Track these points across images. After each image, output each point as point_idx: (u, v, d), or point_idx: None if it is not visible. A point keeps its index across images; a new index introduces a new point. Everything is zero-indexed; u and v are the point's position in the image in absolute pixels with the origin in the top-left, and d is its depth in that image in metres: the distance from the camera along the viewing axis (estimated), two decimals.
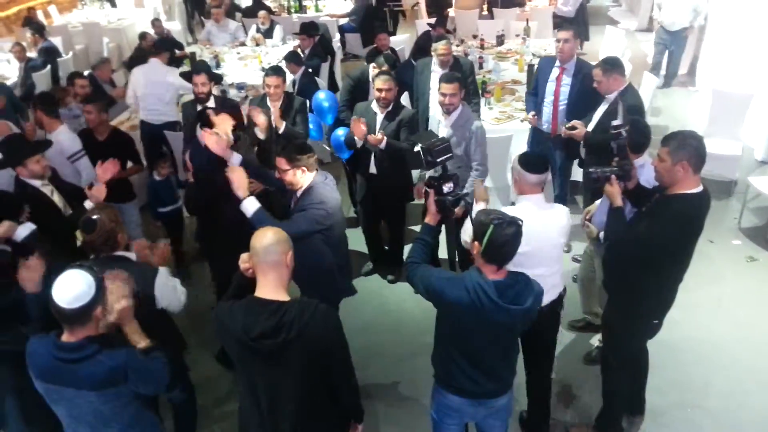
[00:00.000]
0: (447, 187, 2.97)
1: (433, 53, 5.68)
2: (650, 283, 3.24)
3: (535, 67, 6.21)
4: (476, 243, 2.62)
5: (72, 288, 2.27)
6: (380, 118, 4.84)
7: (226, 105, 5.20)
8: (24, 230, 3.45)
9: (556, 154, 5.46)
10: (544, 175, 3.23)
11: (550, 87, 5.26)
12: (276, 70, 5.15)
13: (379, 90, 4.74)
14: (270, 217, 3.38)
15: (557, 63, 5.24)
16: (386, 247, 5.60)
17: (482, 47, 8.66)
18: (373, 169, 4.99)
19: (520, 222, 2.60)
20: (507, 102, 6.65)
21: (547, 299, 3.18)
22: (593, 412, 3.80)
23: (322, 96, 5.86)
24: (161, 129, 6.27)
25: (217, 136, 3.58)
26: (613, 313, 3.53)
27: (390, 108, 4.82)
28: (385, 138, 4.71)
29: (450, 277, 2.74)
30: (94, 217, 2.94)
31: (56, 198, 3.98)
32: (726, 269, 5.29)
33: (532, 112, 5.35)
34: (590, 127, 4.75)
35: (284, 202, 3.77)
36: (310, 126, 5.51)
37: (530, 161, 3.24)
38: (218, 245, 4.00)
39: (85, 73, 6.84)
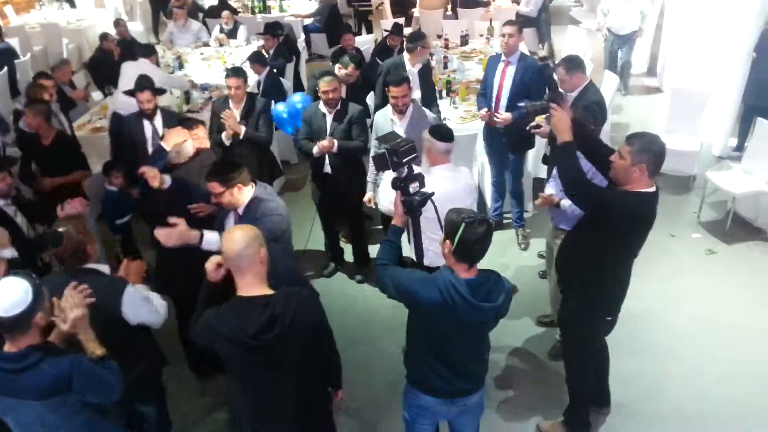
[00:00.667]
0: (413, 188, 2.99)
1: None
2: (602, 281, 3.30)
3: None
4: (447, 242, 2.63)
5: (8, 295, 2.23)
6: (329, 118, 4.83)
7: (172, 119, 5.09)
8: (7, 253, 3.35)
9: (507, 149, 5.51)
10: (451, 144, 3.65)
11: (496, 81, 5.33)
12: (236, 71, 5.10)
13: (325, 92, 4.72)
14: None
15: (502, 57, 5.32)
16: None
17: (447, 47, 8.70)
18: (327, 169, 4.99)
19: (491, 220, 2.64)
20: (472, 101, 6.66)
21: None
22: (562, 407, 3.85)
23: (296, 98, 5.68)
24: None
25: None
26: (567, 313, 3.58)
27: (338, 107, 4.81)
28: (336, 142, 4.73)
29: (421, 278, 2.75)
30: (60, 229, 2.81)
31: (19, 219, 3.89)
32: (686, 262, 5.41)
33: (484, 109, 5.39)
34: None
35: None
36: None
37: (439, 131, 3.65)
38: (175, 274, 3.77)
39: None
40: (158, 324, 3.01)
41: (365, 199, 4.85)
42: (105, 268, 2.96)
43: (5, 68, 7.85)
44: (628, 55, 8.80)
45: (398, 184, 2.98)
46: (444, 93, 6.81)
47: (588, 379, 3.70)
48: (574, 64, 4.59)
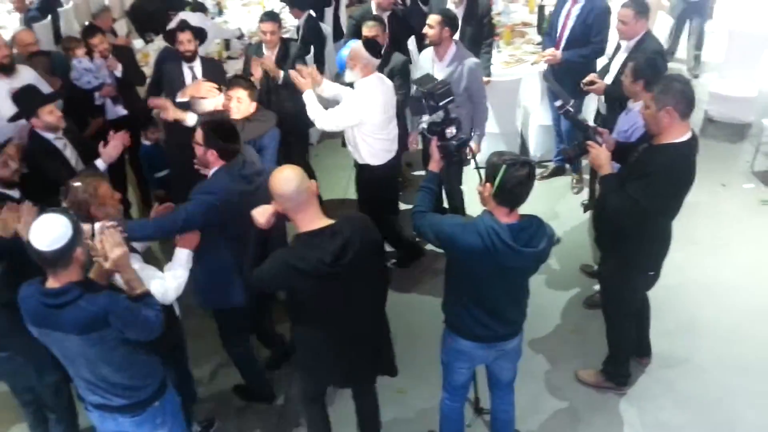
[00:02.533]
0: (450, 132, 2.94)
1: None
2: (642, 238, 3.19)
3: (546, 8, 6.05)
4: (488, 185, 2.58)
5: (49, 230, 2.29)
6: None
7: (214, 67, 5.04)
8: None
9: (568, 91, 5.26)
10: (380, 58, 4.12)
11: (561, 20, 5.11)
12: (271, 16, 4.99)
13: (374, 36, 4.57)
14: None
15: None
16: None
17: None
18: None
19: (533, 163, 2.59)
20: (516, 45, 6.48)
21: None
22: (600, 356, 3.82)
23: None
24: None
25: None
26: (607, 269, 3.50)
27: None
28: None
29: (461, 223, 2.72)
30: (74, 184, 2.89)
31: (68, 152, 3.94)
32: (737, 213, 5.21)
33: (550, 49, 5.16)
34: (609, 80, 4.43)
35: None
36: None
37: (370, 45, 4.04)
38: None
39: (86, 23, 6.72)
40: (168, 298, 2.88)
41: (410, 140, 4.85)
42: None
43: (49, 16, 7.91)
44: (702, 25, 7.45)
45: (434, 129, 2.93)
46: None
47: (628, 332, 3.64)
48: (643, 7, 4.26)
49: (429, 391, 3.63)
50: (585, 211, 4.82)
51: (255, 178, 3.14)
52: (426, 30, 4.42)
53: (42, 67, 4.84)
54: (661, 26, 6.61)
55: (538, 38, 6.29)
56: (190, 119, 3.90)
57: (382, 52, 4.55)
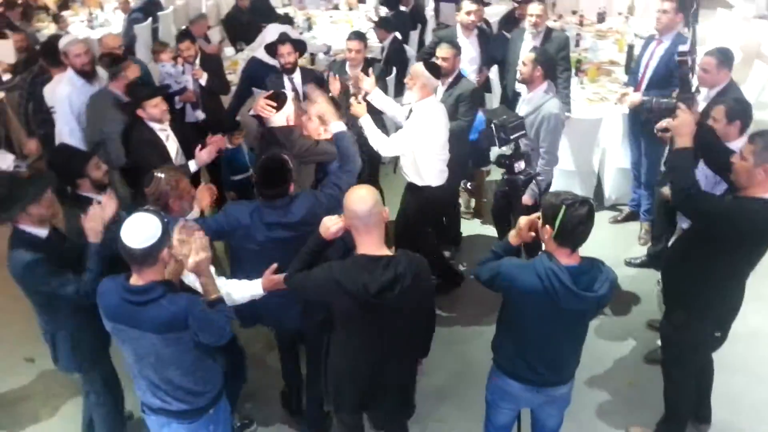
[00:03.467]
0: (518, 166, 2.90)
1: (526, 17, 5.48)
2: (707, 295, 3.03)
3: (636, 48, 5.90)
4: (547, 227, 2.52)
5: (141, 228, 2.37)
6: (441, 90, 4.61)
7: (310, 76, 5.16)
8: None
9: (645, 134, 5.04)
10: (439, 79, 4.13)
11: (644, 60, 4.99)
12: (358, 35, 5.10)
13: (444, 59, 4.51)
14: None
15: (655, 36, 4.97)
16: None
17: (581, 24, 8.29)
18: None
19: (593, 201, 2.52)
20: (601, 83, 6.35)
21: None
22: (656, 415, 3.62)
23: None
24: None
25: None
26: (669, 325, 3.33)
27: (451, 79, 4.60)
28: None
29: (519, 264, 2.66)
30: (157, 174, 3.07)
31: (170, 145, 4.11)
32: None
33: (630, 88, 5.05)
34: None
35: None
36: None
37: (431, 65, 4.02)
38: None
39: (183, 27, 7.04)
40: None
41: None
42: None
43: (149, 19, 8.34)
44: None
45: (503, 162, 2.89)
46: (573, 72, 6.48)
47: (687, 394, 3.44)
48: (726, 57, 4.11)
49: (468, 425, 3.55)
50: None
51: (276, 230, 3.06)
52: (519, 67, 4.36)
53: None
54: (757, 75, 6.31)
55: (625, 78, 6.14)
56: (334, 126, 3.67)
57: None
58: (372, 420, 3.17)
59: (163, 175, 3.08)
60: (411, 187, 4.40)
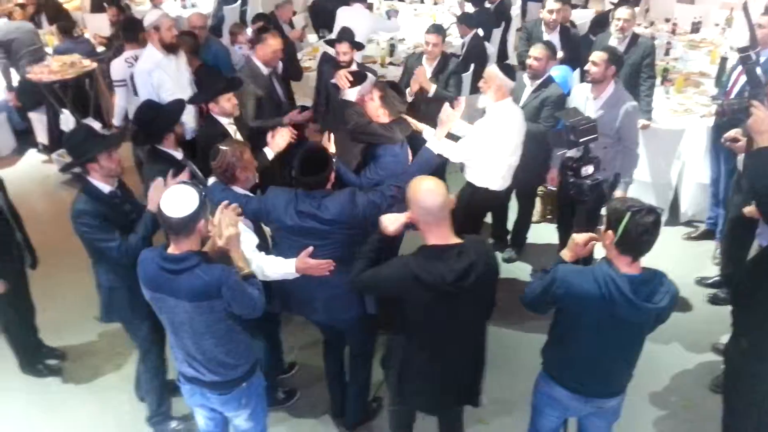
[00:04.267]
0: (585, 170, 2.82)
1: (613, 21, 5.33)
2: None
3: (730, 60, 5.63)
4: (609, 232, 2.44)
5: (179, 199, 2.47)
6: (529, 90, 4.57)
7: (358, 74, 5.09)
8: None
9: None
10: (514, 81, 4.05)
11: (735, 74, 4.77)
12: (437, 28, 5.08)
13: (537, 58, 4.47)
14: None
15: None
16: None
17: (673, 32, 7.95)
18: None
19: (660, 210, 2.42)
20: (688, 94, 6.07)
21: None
22: None
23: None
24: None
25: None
26: (734, 349, 3.13)
27: (540, 81, 4.52)
28: (435, 87, 4.58)
29: (577, 269, 2.60)
30: (222, 147, 3.19)
31: (238, 138, 4.18)
32: None
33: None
34: None
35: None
36: None
37: (506, 67, 3.96)
38: None
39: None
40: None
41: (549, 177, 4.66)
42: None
43: (239, 1, 8.56)
44: None
45: (570, 165, 2.82)
46: (659, 81, 6.24)
47: (747, 423, 3.26)
48: None
49: (512, 427, 3.51)
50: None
51: (307, 220, 3.06)
52: (589, 67, 4.24)
53: (186, 47, 5.19)
54: None
55: (714, 91, 5.86)
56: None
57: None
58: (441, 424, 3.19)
59: (228, 148, 3.19)
60: (467, 186, 4.39)
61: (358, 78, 3.84)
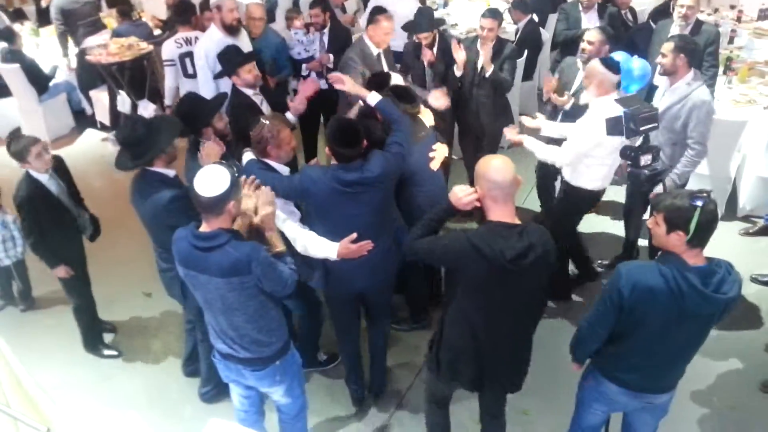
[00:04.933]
0: (644, 160, 2.73)
1: (675, 8, 5.16)
2: None
3: None
4: (679, 233, 2.35)
5: (211, 179, 2.49)
6: (582, 75, 4.37)
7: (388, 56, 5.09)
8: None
9: None
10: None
11: None
12: (493, 13, 4.98)
13: (590, 42, 4.40)
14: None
15: None
16: None
17: (738, 20, 7.63)
18: None
19: (709, 191, 2.36)
20: (752, 84, 5.83)
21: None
22: None
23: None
24: None
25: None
26: None
27: None
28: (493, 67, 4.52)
29: (640, 264, 2.54)
30: (263, 120, 3.26)
31: (264, 108, 4.26)
32: None
33: None
34: None
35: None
36: None
37: (611, 62, 3.70)
38: None
39: None
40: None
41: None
42: (281, 168, 3.31)
43: None
44: None
45: (628, 153, 2.73)
46: (722, 70, 6.00)
47: None
48: None
49: (554, 419, 3.46)
50: None
51: (355, 186, 3.08)
52: (659, 59, 4.10)
53: None
54: None
55: None
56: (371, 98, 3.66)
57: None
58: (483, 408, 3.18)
59: (267, 122, 3.24)
60: (563, 182, 4.22)
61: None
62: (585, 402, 2.90)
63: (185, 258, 2.62)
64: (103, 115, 7.20)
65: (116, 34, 7.03)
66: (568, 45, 5.98)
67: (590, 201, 4.17)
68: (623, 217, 4.75)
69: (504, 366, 2.83)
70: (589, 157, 3.84)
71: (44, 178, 3.73)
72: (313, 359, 3.99)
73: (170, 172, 3.26)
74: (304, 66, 5.48)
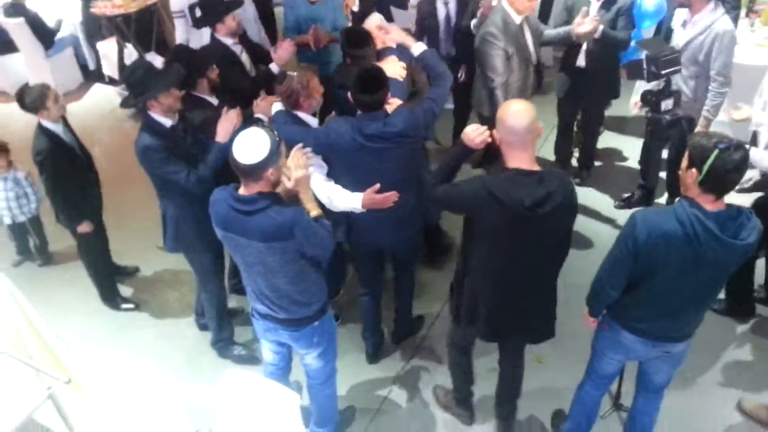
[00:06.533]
0: (665, 105, 2.65)
1: None
2: None
3: None
4: (693, 170, 2.31)
5: (251, 144, 2.43)
6: (596, 6, 4.30)
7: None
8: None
9: None
10: None
11: None
12: None
13: None
14: None
15: None
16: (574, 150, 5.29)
17: None
18: (581, 62, 4.54)
19: (748, 146, 2.28)
20: None
21: None
22: None
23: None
24: None
25: None
26: None
27: None
28: (601, 26, 4.18)
29: (656, 211, 2.51)
30: (289, 72, 3.19)
31: (244, 57, 4.18)
32: None
33: None
34: None
35: None
36: None
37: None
38: None
39: None
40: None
41: (632, 102, 4.14)
42: (311, 121, 3.29)
43: None
44: None
45: (649, 98, 2.66)
46: (743, 12, 5.81)
47: None
48: None
49: (568, 367, 3.49)
50: None
51: (376, 140, 3.03)
52: None
53: None
54: None
55: None
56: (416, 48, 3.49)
57: None
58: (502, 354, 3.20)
59: (295, 74, 3.18)
60: None
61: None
62: (600, 351, 2.90)
63: (224, 220, 2.58)
64: (111, 69, 7.12)
65: None
66: None
67: None
68: (641, 164, 4.66)
69: (526, 318, 2.82)
70: None
71: (59, 128, 3.72)
72: None
73: (166, 121, 3.20)
74: None
